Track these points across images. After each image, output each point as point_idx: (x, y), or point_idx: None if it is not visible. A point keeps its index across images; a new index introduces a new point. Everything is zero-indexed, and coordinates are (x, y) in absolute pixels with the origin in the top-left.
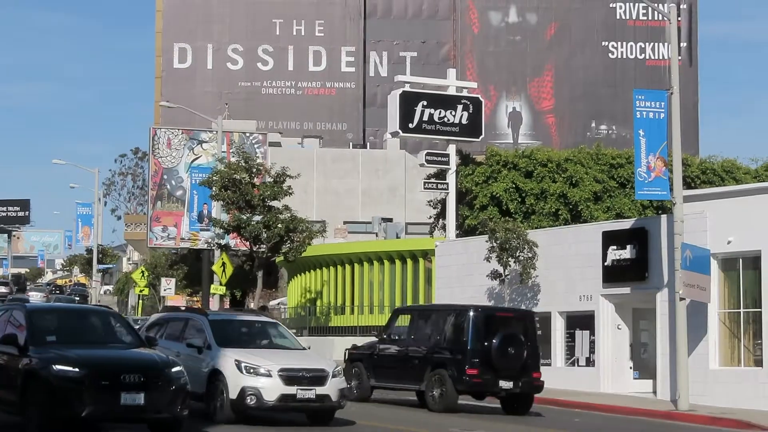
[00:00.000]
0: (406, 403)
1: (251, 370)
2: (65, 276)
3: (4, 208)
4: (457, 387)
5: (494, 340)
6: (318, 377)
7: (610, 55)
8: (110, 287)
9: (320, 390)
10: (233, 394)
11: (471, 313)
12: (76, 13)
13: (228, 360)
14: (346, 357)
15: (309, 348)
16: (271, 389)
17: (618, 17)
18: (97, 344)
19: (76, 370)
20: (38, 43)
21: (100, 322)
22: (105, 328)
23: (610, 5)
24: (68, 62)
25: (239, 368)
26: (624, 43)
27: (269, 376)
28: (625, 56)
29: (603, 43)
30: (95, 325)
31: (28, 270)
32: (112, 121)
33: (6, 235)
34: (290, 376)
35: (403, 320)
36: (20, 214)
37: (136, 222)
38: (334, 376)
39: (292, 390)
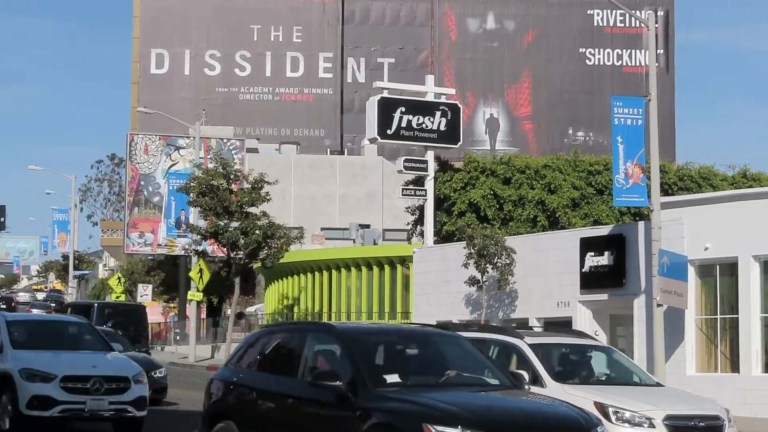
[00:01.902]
0: None
1: (625, 419)
2: (41, 282)
3: None
4: None
5: None
6: (714, 428)
7: (587, 61)
8: (72, 293)
9: None
10: None
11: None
12: (53, 17)
13: (583, 404)
14: None
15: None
16: None
17: (595, 24)
18: (454, 386)
19: None
20: (14, 47)
21: (439, 349)
22: (446, 357)
23: (588, 12)
24: (45, 66)
25: (606, 415)
26: (601, 50)
27: (651, 426)
28: (602, 63)
29: (580, 50)
30: (435, 354)
31: (2, 276)
32: (89, 126)
33: None
34: (680, 427)
35: None
36: None
37: (113, 228)
38: (730, 423)
39: None
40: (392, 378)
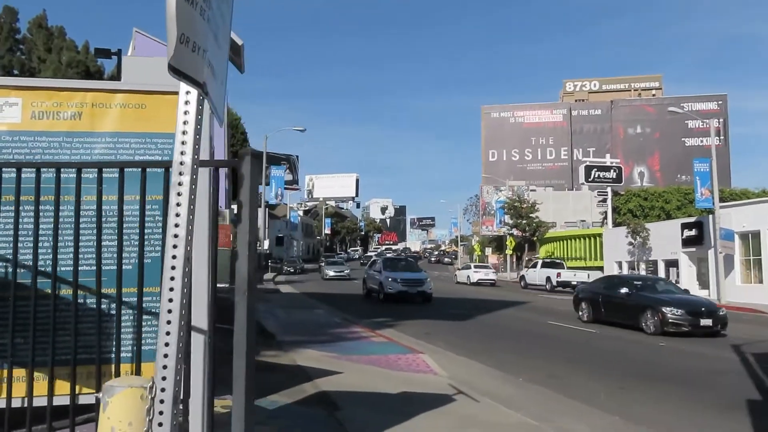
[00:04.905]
0: None
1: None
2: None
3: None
4: None
5: None
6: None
7: (685, 144)
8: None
9: None
10: None
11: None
12: (453, 139)
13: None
14: None
15: None
16: None
17: (689, 127)
18: None
19: None
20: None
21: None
22: None
23: (685, 121)
24: (448, 171)
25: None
26: (692, 138)
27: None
28: (692, 144)
29: (682, 139)
30: None
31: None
32: (467, 184)
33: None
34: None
35: None
36: None
37: (476, 223)
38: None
39: None
40: None
